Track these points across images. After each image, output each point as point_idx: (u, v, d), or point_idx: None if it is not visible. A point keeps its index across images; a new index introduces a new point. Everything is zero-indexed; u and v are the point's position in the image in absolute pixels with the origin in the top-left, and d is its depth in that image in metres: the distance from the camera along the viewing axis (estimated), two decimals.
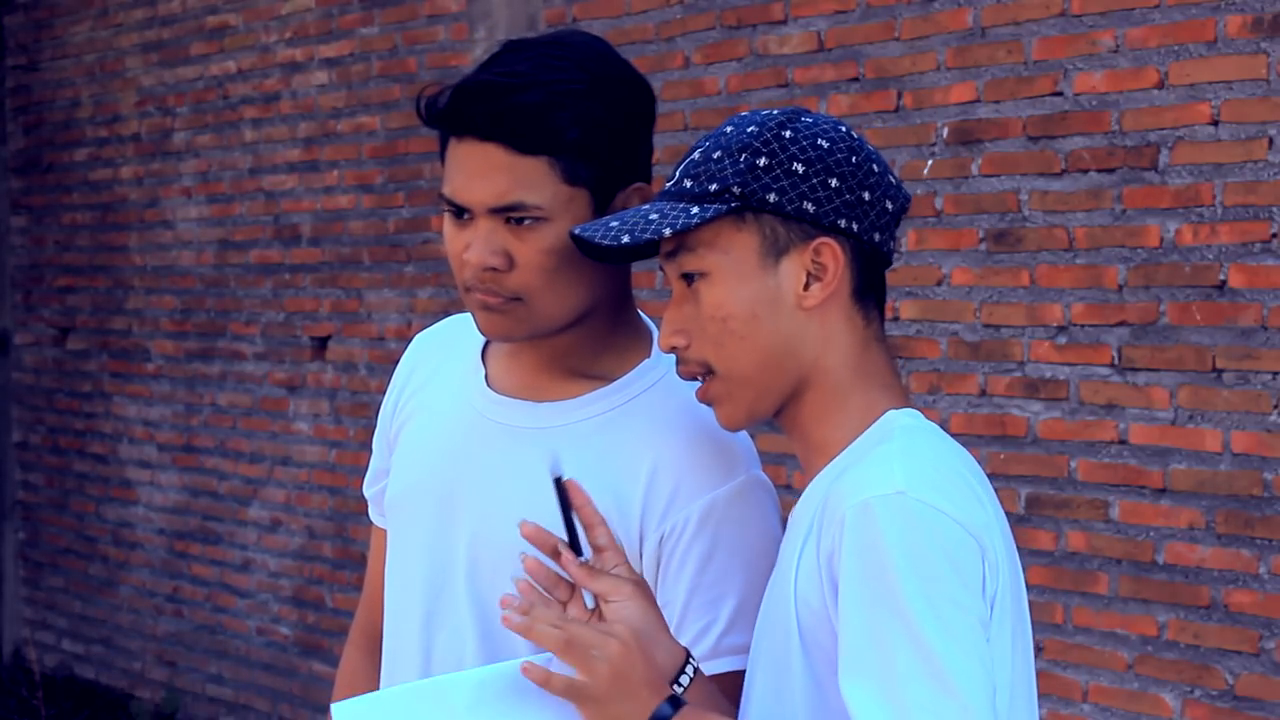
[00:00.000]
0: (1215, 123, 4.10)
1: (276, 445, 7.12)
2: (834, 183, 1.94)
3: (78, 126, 8.25)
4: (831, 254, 1.94)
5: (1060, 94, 4.40)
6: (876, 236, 1.97)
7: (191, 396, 7.58)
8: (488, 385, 2.26)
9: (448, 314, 2.74)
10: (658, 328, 2.31)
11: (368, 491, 2.46)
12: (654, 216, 1.95)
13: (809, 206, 1.93)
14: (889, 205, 1.98)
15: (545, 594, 1.93)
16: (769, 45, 5.15)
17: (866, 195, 1.96)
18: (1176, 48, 4.17)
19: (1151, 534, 4.27)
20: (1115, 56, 4.29)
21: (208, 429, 7.50)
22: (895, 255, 2.15)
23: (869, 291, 1.99)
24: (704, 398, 2.00)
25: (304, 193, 6.95)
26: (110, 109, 8.04)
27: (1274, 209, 4.01)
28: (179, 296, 7.63)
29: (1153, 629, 4.27)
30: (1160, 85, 4.20)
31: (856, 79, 4.90)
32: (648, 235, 1.93)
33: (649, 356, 2.24)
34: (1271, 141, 4.01)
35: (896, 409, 1.97)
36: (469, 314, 2.28)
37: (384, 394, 2.45)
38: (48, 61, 8.44)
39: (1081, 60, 4.35)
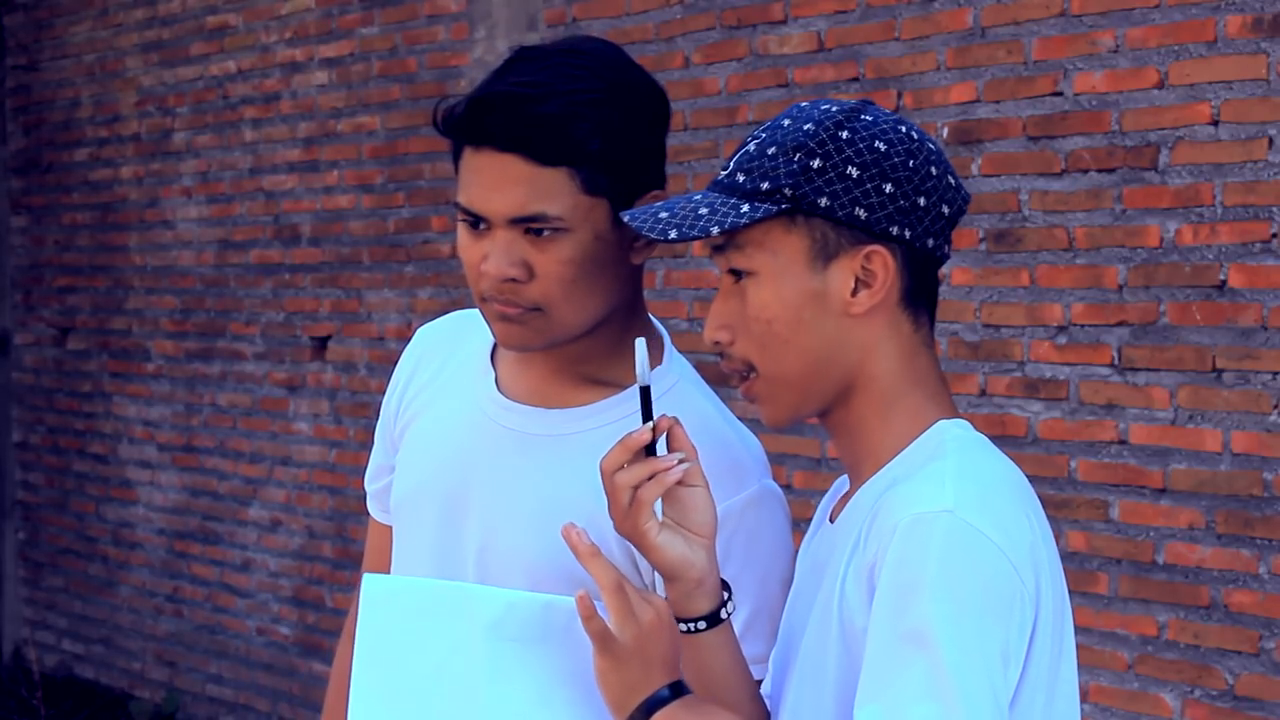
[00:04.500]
0: (1215, 123, 4.10)
1: (276, 445, 7.12)
2: (888, 188, 1.90)
3: (78, 126, 8.25)
4: (882, 262, 1.90)
5: (1060, 94, 4.40)
6: (930, 242, 1.93)
7: (191, 396, 7.58)
8: (498, 389, 2.24)
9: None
10: (665, 329, 2.31)
11: (369, 487, 2.44)
12: (704, 211, 1.91)
13: (861, 213, 1.89)
14: (945, 210, 1.94)
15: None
16: (769, 45, 5.15)
17: (922, 200, 1.91)
18: (1176, 48, 4.17)
19: (1151, 534, 4.28)
20: (1115, 56, 4.29)
21: (208, 429, 7.50)
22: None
23: (919, 296, 1.95)
24: (747, 394, 1.98)
25: (304, 193, 6.95)
26: (110, 109, 8.04)
27: (1274, 209, 4.01)
28: (179, 296, 7.63)
29: (1153, 629, 4.27)
30: (1160, 85, 4.20)
31: (856, 79, 4.90)
32: (695, 233, 1.89)
33: (661, 363, 2.22)
34: (1271, 141, 4.01)
35: (946, 418, 1.94)
36: (475, 311, 2.26)
37: (384, 393, 2.43)
38: (48, 61, 8.44)
39: (1081, 60, 4.35)
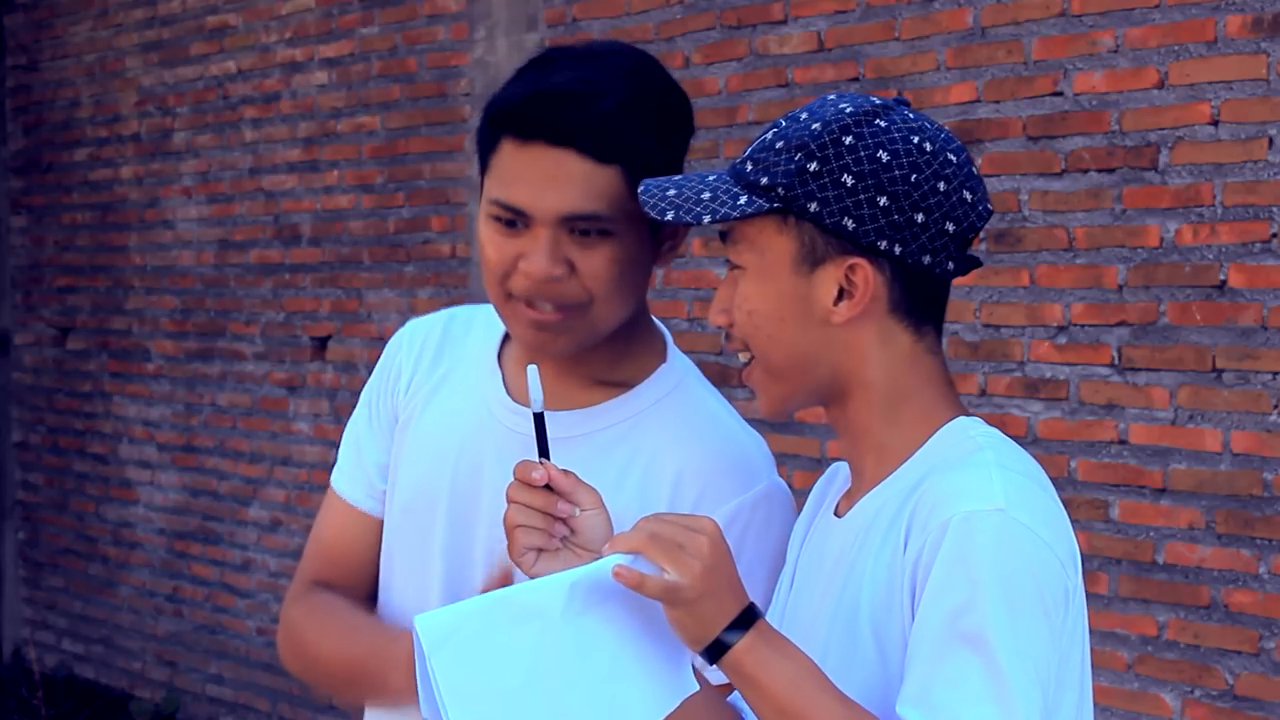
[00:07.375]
0: (1215, 123, 4.10)
1: (276, 445, 7.12)
2: (883, 201, 1.86)
3: (78, 126, 8.25)
4: (864, 276, 1.87)
5: (1060, 94, 4.40)
6: (926, 259, 1.88)
7: (191, 396, 7.58)
8: (506, 392, 2.23)
9: None
10: (668, 329, 2.31)
11: (378, 484, 2.33)
12: (705, 196, 1.91)
13: (849, 223, 1.86)
14: (950, 226, 1.89)
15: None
16: (769, 45, 5.15)
17: (920, 217, 1.87)
18: (1176, 48, 4.17)
19: (1151, 534, 4.28)
20: (1115, 56, 4.29)
21: (208, 429, 7.50)
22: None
23: (918, 309, 1.91)
24: (747, 380, 1.97)
25: (304, 193, 6.95)
26: (110, 109, 8.04)
27: (1274, 209, 4.01)
28: (179, 296, 7.63)
29: (1153, 629, 4.27)
30: (1160, 85, 4.20)
31: (856, 79, 4.90)
32: (688, 218, 1.89)
33: (665, 361, 2.22)
34: (1271, 141, 4.01)
35: (964, 416, 1.95)
36: (467, 310, 2.26)
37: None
38: (48, 61, 8.44)
39: (1081, 60, 4.35)
